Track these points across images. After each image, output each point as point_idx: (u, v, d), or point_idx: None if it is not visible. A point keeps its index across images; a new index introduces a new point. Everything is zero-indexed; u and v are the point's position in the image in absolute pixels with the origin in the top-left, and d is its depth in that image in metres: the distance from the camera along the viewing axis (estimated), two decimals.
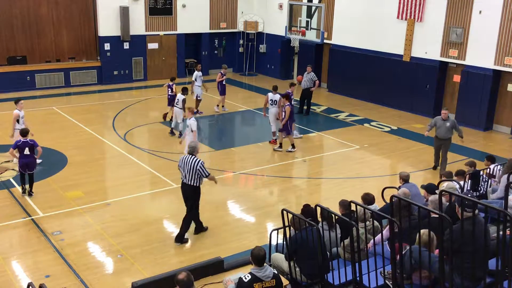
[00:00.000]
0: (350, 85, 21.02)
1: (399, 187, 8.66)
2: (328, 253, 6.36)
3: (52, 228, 9.70)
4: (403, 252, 5.48)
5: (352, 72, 20.78)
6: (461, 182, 8.78)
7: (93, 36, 22.02)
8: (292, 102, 15.56)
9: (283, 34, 21.82)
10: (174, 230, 9.92)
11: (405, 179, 9.08)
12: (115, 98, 20.13)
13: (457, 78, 17.81)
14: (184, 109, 14.57)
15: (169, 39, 23.22)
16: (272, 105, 14.84)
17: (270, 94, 14.95)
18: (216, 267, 8.10)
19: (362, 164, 13.78)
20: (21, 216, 10.19)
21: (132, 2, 21.74)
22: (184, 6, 23.07)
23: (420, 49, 18.38)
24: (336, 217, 6.71)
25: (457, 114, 17.32)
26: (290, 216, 6.47)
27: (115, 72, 22.16)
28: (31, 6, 20.60)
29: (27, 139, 10.89)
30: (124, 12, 21.42)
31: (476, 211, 5.21)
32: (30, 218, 10.12)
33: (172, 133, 15.39)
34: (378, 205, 8.27)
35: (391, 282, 5.67)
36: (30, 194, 11.03)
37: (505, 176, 8.33)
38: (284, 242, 6.72)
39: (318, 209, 6.73)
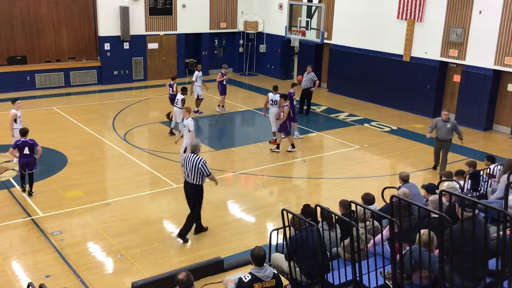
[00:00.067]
0: (350, 85, 21.02)
1: (399, 187, 8.66)
2: (328, 253, 6.36)
3: (52, 228, 9.70)
4: (403, 252, 5.48)
5: (352, 72, 20.78)
6: (461, 182, 8.78)
7: (93, 36, 22.02)
8: (294, 102, 15.61)
9: (283, 34, 21.82)
10: (174, 230, 9.93)
11: (404, 179, 9.08)
12: (115, 98, 20.13)
13: (457, 78, 17.81)
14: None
15: (169, 39, 23.22)
16: (272, 105, 14.84)
17: (270, 94, 14.94)
18: (216, 267, 8.10)
19: (362, 164, 13.78)
20: (21, 216, 10.19)
21: (132, 2, 21.74)
22: (184, 6, 23.07)
23: (420, 49, 18.38)
24: (336, 217, 6.71)
25: (457, 114, 17.32)
26: (290, 216, 6.47)
27: (115, 72, 22.16)
28: (31, 6, 20.60)
29: (27, 139, 10.89)
30: (124, 12, 21.42)
31: (476, 211, 5.21)
32: (30, 218, 10.12)
33: (171, 133, 15.39)
34: (378, 205, 8.27)
35: (391, 282, 5.67)
36: (30, 194, 11.03)
37: (505, 176, 8.33)
38: (284, 242, 6.72)
39: (318, 209, 6.73)
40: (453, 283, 5.17)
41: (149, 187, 11.97)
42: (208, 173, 9.11)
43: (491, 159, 10.57)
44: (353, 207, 6.36)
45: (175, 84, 16.26)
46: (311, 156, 14.38)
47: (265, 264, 5.65)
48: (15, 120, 12.37)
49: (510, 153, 14.25)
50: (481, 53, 16.63)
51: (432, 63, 18.10)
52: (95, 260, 8.76)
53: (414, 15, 18.26)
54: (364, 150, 14.95)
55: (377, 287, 5.76)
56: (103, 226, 9.90)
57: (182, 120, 14.59)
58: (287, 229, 6.47)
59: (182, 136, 12.34)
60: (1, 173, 12.23)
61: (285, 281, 6.37)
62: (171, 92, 16.29)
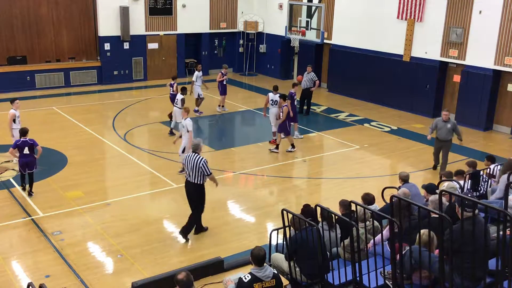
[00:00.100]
0: (350, 85, 21.02)
1: (399, 187, 8.66)
2: (328, 253, 6.36)
3: (52, 228, 9.70)
4: (403, 252, 5.48)
5: (352, 72, 20.78)
6: (461, 182, 8.78)
7: (93, 36, 22.02)
8: (296, 103, 15.63)
9: (283, 34, 21.82)
10: (174, 230, 9.93)
11: (404, 179, 9.08)
12: (115, 98, 20.13)
13: (457, 78, 17.81)
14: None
15: (169, 39, 23.22)
16: (272, 105, 14.84)
17: (270, 94, 14.94)
18: (216, 267, 8.10)
19: (362, 164, 13.78)
20: (21, 216, 10.19)
21: (132, 2, 21.74)
22: (184, 6, 23.07)
23: (420, 49, 18.38)
24: (336, 217, 6.71)
25: (457, 114, 17.32)
26: (290, 216, 6.47)
27: (115, 72, 22.16)
28: (31, 6, 20.60)
29: (27, 139, 10.89)
30: (124, 12, 21.42)
31: (476, 211, 5.21)
32: (30, 218, 10.12)
33: (171, 133, 15.38)
34: (378, 205, 8.27)
35: (391, 282, 5.67)
36: (30, 194, 11.03)
37: (504, 176, 8.33)
38: (284, 242, 6.72)
39: (318, 209, 6.73)
40: (453, 283, 5.17)
41: (149, 187, 11.97)
42: (209, 173, 9.12)
43: (491, 159, 10.56)
44: (353, 207, 6.36)
45: (175, 84, 16.26)
46: (311, 156, 14.38)
47: (265, 264, 5.65)
48: (14, 120, 12.35)
49: (510, 153, 14.25)
50: (481, 53, 16.63)
51: (432, 63, 18.11)
52: (95, 260, 8.76)
53: (414, 15, 18.26)
54: (364, 150, 14.95)
55: (377, 287, 5.76)
56: (103, 226, 9.90)
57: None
58: (287, 229, 6.47)
59: (180, 136, 12.34)
60: (1, 173, 12.23)
61: (285, 281, 6.37)
62: (171, 92, 16.29)
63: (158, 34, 22.88)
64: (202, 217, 9.69)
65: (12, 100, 12.64)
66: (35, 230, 9.64)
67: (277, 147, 14.35)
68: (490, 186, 9.20)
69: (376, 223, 7.05)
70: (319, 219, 7.22)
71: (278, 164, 13.67)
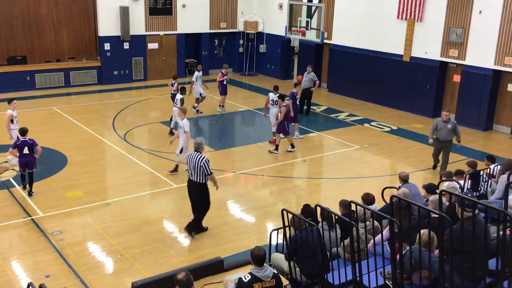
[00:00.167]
0: (350, 85, 21.02)
1: (399, 188, 8.66)
2: (328, 253, 6.36)
3: (52, 228, 9.70)
4: (403, 252, 5.48)
5: (352, 72, 20.78)
6: (461, 182, 8.78)
7: (93, 36, 22.02)
8: (298, 102, 15.64)
9: (283, 34, 21.82)
10: (174, 230, 9.94)
11: (404, 179, 9.08)
12: (115, 98, 20.13)
13: (457, 78, 17.81)
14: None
15: (169, 39, 23.22)
16: (273, 105, 14.83)
17: (271, 94, 14.93)
18: (216, 267, 8.10)
19: (362, 164, 13.78)
20: (21, 216, 10.19)
21: (132, 2, 21.74)
22: (184, 6, 23.07)
23: (420, 49, 18.38)
24: (336, 217, 6.71)
25: (457, 114, 17.32)
26: (290, 216, 6.47)
27: (115, 72, 22.16)
28: (31, 6, 20.60)
29: (26, 138, 10.89)
30: (124, 12, 21.42)
31: (476, 211, 5.21)
32: (30, 218, 10.12)
33: (171, 133, 15.37)
34: (378, 205, 8.27)
35: (391, 282, 5.67)
36: (30, 194, 11.03)
37: (503, 176, 8.33)
38: (284, 242, 6.72)
39: (318, 209, 6.73)
40: (453, 283, 5.17)
41: (149, 187, 11.97)
42: (209, 172, 9.11)
43: (491, 159, 10.56)
44: (353, 207, 6.36)
45: (176, 84, 16.27)
46: (311, 156, 14.38)
47: (265, 264, 5.65)
48: (12, 121, 12.33)
49: (510, 153, 14.25)
50: (481, 53, 16.63)
51: (432, 63, 18.10)
52: (95, 260, 8.76)
53: (414, 15, 18.26)
54: (364, 150, 14.95)
55: (377, 287, 5.76)
56: (103, 226, 9.90)
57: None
58: (287, 229, 6.47)
59: (178, 137, 12.35)
60: (1, 173, 12.22)
61: (285, 281, 6.37)
62: (172, 92, 16.31)
63: (158, 34, 22.88)
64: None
65: (9, 101, 12.57)
66: (35, 230, 9.64)
67: (276, 148, 14.34)
68: (490, 186, 9.20)
69: (376, 223, 7.05)
70: (319, 219, 7.22)
71: (278, 164, 13.67)
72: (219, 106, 18.49)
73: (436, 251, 5.48)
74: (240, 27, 24.86)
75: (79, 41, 21.89)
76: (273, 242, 7.71)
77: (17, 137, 11.85)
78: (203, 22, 23.95)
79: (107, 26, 21.49)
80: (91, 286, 7.95)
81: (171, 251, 9.11)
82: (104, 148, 14.63)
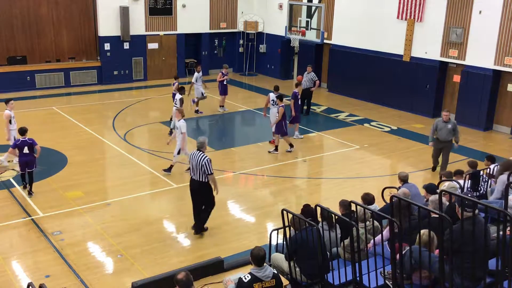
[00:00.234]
0: (350, 85, 21.02)
1: (399, 188, 8.65)
2: (328, 253, 6.36)
3: (52, 228, 9.70)
4: (403, 252, 5.48)
5: (352, 72, 20.78)
6: (461, 182, 8.78)
7: (93, 36, 22.02)
8: (299, 102, 15.64)
9: (283, 34, 21.82)
10: (174, 230, 9.95)
11: (403, 179, 9.07)
12: (115, 98, 20.13)
13: (457, 78, 17.81)
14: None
15: (169, 39, 23.22)
16: (273, 105, 14.82)
17: (271, 94, 14.92)
18: (216, 267, 8.10)
19: (362, 164, 13.78)
20: (21, 216, 10.19)
21: (132, 2, 21.74)
22: (184, 6, 23.07)
23: (420, 49, 18.38)
24: (336, 217, 6.70)
25: (457, 114, 17.32)
26: (290, 216, 6.47)
27: (115, 72, 22.16)
28: (31, 6, 20.60)
29: (26, 138, 10.90)
30: (124, 12, 21.42)
31: (476, 211, 5.21)
32: (30, 218, 10.12)
33: (171, 133, 15.36)
34: (378, 205, 8.27)
35: (391, 282, 5.67)
36: (30, 193, 11.03)
37: (501, 176, 8.34)
38: (284, 242, 6.72)
39: (318, 209, 6.73)
40: (453, 283, 5.17)
41: (149, 187, 11.97)
42: (210, 172, 9.11)
43: (491, 159, 10.56)
44: (353, 207, 6.36)
45: (176, 83, 16.27)
46: (311, 156, 14.37)
47: (265, 264, 5.65)
48: (10, 121, 12.33)
49: (510, 153, 14.25)
50: (481, 53, 16.63)
51: (432, 63, 18.10)
52: (95, 260, 8.76)
53: (414, 15, 18.26)
54: (364, 150, 14.95)
55: (377, 287, 5.76)
56: (103, 226, 9.90)
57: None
58: (287, 229, 6.47)
59: (175, 137, 12.36)
60: (1, 173, 12.22)
61: (285, 281, 6.37)
62: (173, 91, 16.33)
63: (158, 34, 22.88)
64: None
65: (7, 101, 12.54)
66: (35, 230, 9.64)
67: (276, 149, 14.33)
68: (490, 186, 9.20)
69: (376, 223, 7.05)
70: (319, 219, 7.22)
71: (278, 164, 13.67)
72: (220, 106, 18.49)
73: (436, 251, 5.48)
74: (240, 27, 24.86)
75: (79, 41, 21.89)
76: (273, 242, 7.71)
77: (14, 138, 11.91)
78: (203, 22, 23.95)
79: (107, 26, 21.49)
80: (91, 286, 7.95)
81: (171, 251, 9.11)
82: (104, 148, 14.63)
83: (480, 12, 16.47)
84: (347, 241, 6.51)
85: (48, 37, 21.21)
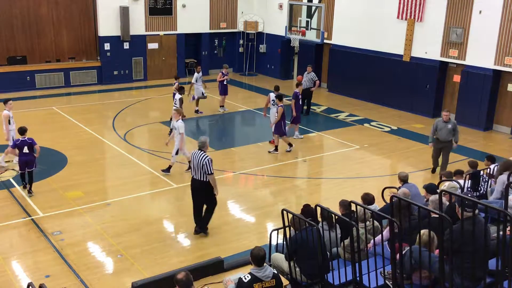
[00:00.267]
0: (350, 85, 21.02)
1: (399, 188, 8.65)
2: (328, 253, 6.36)
3: (52, 228, 9.70)
4: (403, 252, 5.48)
5: (352, 72, 20.78)
6: (460, 181, 8.78)
7: (93, 36, 22.02)
8: (300, 102, 15.64)
9: (283, 34, 21.82)
10: (174, 230, 9.94)
11: (403, 179, 9.07)
12: (115, 98, 20.13)
13: (457, 78, 17.81)
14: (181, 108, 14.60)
15: (169, 39, 23.22)
16: (273, 105, 14.82)
17: (271, 94, 14.92)
18: (216, 267, 8.10)
19: (362, 164, 13.78)
20: (21, 216, 10.19)
21: (132, 2, 21.74)
22: (184, 6, 23.07)
23: (420, 49, 18.38)
24: (336, 217, 6.70)
25: (457, 114, 17.32)
26: (290, 216, 6.47)
27: (115, 72, 22.16)
28: (31, 6, 20.60)
29: (26, 138, 10.90)
30: (124, 12, 21.42)
31: (476, 211, 5.21)
32: (30, 218, 10.12)
33: (171, 133, 15.37)
34: (378, 205, 8.26)
35: (391, 282, 5.67)
36: (29, 192, 11.03)
37: (501, 176, 8.34)
38: (284, 242, 6.72)
39: (318, 209, 6.73)
40: (453, 283, 5.17)
41: (149, 187, 11.97)
42: (210, 172, 9.10)
43: (491, 159, 10.56)
44: (353, 207, 6.36)
45: (176, 83, 16.29)
46: (311, 156, 14.37)
47: (265, 264, 5.65)
48: (8, 122, 12.32)
49: (510, 153, 14.25)
50: (481, 53, 16.63)
51: (432, 63, 18.10)
52: (95, 260, 8.76)
53: (414, 15, 18.26)
54: (364, 150, 14.95)
55: (377, 287, 5.76)
56: (103, 226, 9.90)
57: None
58: (287, 229, 6.47)
59: (173, 138, 12.37)
60: (1, 173, 12.22)
61: (285, 281, 6.37)
62: (174, 91, 16.34)
63: (158, 34, 22.88)
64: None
65: (5, 101, 12.53)
66: (35, 230, 9.64)
67: (276, 149, 14.33)
68: (490, 186, 9.20)
69: (376, 223, 7.05)
70: (319, 219, 7.22)
71: (278, 164, 13.67)
72: (220, 106, 18.49)
73: (436, 251, 5.48)
74: (240, 27, 24.86)
75: (79, 41, 21.89)
76: (273, 242, 7.71)
77: (13, 138, 11.92)
78: (203, 22, 23.95)
79: (107, 26, 21.48)
80: (91, 286, 7.95)
81: (171, 251, 9.11)
82: (104, 148, 14.63)
83: (480, 12, 16.47)
84: (347, 241, 6.51)
85: (48, 37, 21.21)
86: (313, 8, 20.42)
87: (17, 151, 10.92)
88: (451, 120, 12.69)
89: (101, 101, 19.70)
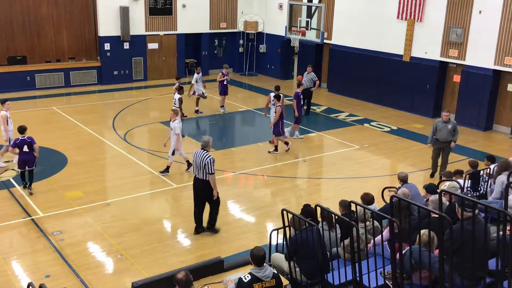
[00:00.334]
0: (350, 85, 21.02)
1: (399, 188, 8.65)
2: (328, 253, 6.36)
3: (52, 228, 9.70)
4: (403, 252, 5.48)
5: (352, 72, 20.78)
6: (460, 182, 8.77)
7: (93, 36, 22.02)
8: (302, 102, 15.64)
9: (283, 34, 21.82)
10: (174, 230, 9.94)
11: (403, 179, 9.06)
12: (115, 98, 20.13)
13: (457, 78, 17.81)
14: (180, 108, 14.61)
15: (169, 39, 23.22)
16: (273, 105, 14.82)
17: (272, 94, 14.92)
18: (216, 267, 8.09)
19: (362, 164, 13.78)
20: (21, 216, 10.19)
21: (132, 2, 21.74)
22: (184, 6, 23.06)
23: (420, 49, 18.38)
24: (336, 217, 6.70)
25: (457, 114, 17.33)
26: (290, 216, 6.47)
27: (115, 72, 22.16)
28: (31, 6, 20.60)
29: (25, 137, 10.90)
30: (124, 12, 21.42)
31: (476, 211, 5.21)
32: (30, 218, 10.12)
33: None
34: (378, 205, 8.26)
35: (391, 282, 5.67)
36: (29, 188, 11.03)
37: (499, 177, 8.34)
38: (284, 242, 6.72)
39: (318, 209, 6.73)
40: (453, 283, 5.17)
41: (149, 187, 11.97)
42: (211, 171, 9.10)
43: (491, 159, 10.56)
44: (353, 207, 6.35)
45: (177, 83, 16.29)
46: (311, 156, 14.38)
47: (265, 264, 5.64)
48: (7, 122, 12.32)
49: (510, 153, 14.24)
50: (481, 53, 16.63)
51: (432, 63, 18.10)
52: (95, 260, 8.76)
53: (414, 15, 18.26)
54: (364, 150, 14.95)
55: (377, 287, 5.76)
56: (103, 226, 9.90)
57: (182, 121, 14.63)
58: (287, 229, 6.47)
59: (170, 138, 12.38)
60: (1, 173, 12.22)
61: (285, 281, 6.37)
62: (175, 91, 16.34)
63: (158, 34, 22.88)
64: (203, 217, 9.68)
65: (3, 101, 12.54)
66: (35, 230, 9.64)
67: (276, 149, 14.33)
68: (490, 186, 9.20)
69: (376, 223, 7.05)
70: (319, 219, 7.22)
71: (278, 164, 13.67)
72: (221, 106, 18.48)
73: (436, 251, 5.48)
74: (240, 27, 24.86)
75: (79, 41, 21.89)
76: (273, 242, 7.71)
77: (10, 139, 11.92)
78: (203, 22, 23.95)
79: (107, 26, 21.48)
80: (91, 286, 7.95)
81: (171, 251, 9.11)
82: (104, 148, 14.63)
83: (480, 12, 16.47)
84: (347, 241, 6.51)
85: (48, 37, 21.21)
86: (313, 8, 20.43)
87: (17, 150, 10.93)
88: (451, 121, 12.65)
89: (101, 101, 19.70)
